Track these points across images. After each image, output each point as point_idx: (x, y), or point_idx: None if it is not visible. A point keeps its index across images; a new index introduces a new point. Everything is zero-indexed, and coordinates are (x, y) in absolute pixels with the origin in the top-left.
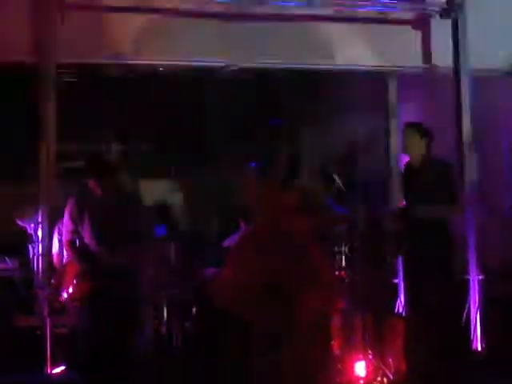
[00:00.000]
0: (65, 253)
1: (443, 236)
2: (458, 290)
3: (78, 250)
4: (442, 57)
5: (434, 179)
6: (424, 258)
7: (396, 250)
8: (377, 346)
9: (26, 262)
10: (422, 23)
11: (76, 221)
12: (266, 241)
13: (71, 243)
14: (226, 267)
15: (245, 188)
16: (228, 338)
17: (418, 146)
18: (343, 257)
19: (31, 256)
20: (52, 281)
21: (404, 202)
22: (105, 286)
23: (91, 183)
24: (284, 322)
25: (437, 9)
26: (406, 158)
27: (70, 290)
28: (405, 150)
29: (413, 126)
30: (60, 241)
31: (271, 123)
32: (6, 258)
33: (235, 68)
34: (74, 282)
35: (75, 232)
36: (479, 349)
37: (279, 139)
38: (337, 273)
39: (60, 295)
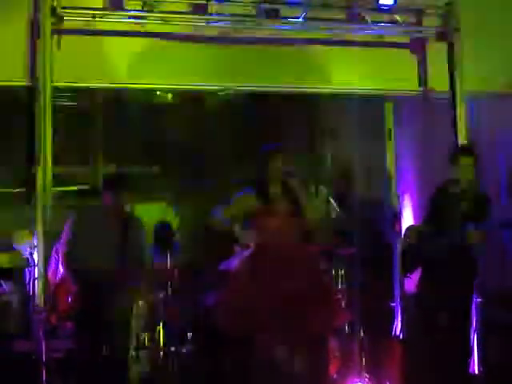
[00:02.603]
0: (60, 269)
1: (470, 260)
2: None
3: (72, 264)
4: (439, 80)
5: (474, 207)
6: (450, 280)
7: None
8: (374, 368)
9: (22, 286)
10: (418, 46)
11: (76, 233)
12: (271, 261)
13: (68, 255)
14: (230, 292)
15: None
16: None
17: (470, 171)
18: (340, 279)
19: (27, 280)
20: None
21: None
22: (97, 305)
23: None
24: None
25: (433, 32)
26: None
27: (63, 309)
28: (457, 177)
29: (468, 153)
30: (57, 261)
31: (268, 148)
32: (2, 282)
33: (232, 92)
34: (68, 300)
35: (73, 244)
36: (477, 372)
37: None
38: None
39: (53, 315)
